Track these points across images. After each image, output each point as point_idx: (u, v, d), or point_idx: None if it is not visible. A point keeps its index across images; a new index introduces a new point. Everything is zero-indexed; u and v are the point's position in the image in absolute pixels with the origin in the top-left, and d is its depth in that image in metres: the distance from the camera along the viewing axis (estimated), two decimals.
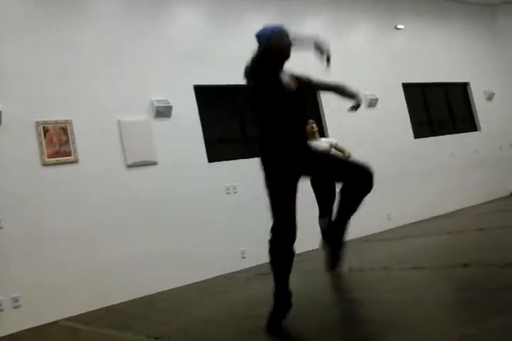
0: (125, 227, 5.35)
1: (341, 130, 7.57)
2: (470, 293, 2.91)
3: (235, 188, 6.25)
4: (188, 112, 6.16)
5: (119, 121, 5.58)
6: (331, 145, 5.52)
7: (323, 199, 5.11)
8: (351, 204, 2.85)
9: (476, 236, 5.39)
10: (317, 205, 5.29)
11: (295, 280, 2.98)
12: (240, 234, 6.11)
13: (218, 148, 6.50)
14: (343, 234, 2.90)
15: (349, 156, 5.29)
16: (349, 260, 5.19)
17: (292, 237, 2.82)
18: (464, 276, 3.40)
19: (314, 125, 5.38)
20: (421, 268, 3.87)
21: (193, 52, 6.35)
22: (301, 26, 7.63)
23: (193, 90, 6.26)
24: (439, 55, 9.52)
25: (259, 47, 2.92)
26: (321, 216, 5.29)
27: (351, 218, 2.88)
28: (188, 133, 6.12)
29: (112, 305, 4.92)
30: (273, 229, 2.84)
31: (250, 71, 2.94)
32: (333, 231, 2.95)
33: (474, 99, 10.05)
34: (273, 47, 2.84)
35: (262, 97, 2.98)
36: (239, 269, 5.91)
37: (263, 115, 2.99)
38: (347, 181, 2.84)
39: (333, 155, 3.32)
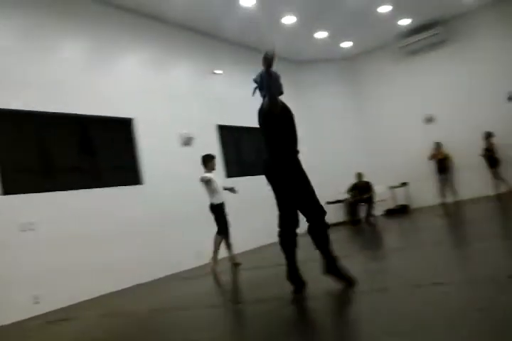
0: None
1: (155, 166, 7.59)
2: (251, 329, 3.07)
3: (32, 225, 5.67)
4: None
5: None
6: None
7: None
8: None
9: (274, 271, 5.78)
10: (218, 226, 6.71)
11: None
12: (34, 276, 5.51)
13: (16, 179, 5.87)
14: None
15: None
16: (153, 299, 5.12)
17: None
18: (255, 312, 3.58)
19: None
20: (217, 307, 3.97)
21: None
22: (120, 60, 7.60)
23: None
24: (252, 102, 10.25)
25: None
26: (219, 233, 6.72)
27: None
28: None
29: None
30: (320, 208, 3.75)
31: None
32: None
33: None
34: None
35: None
36: (29, 316, 5.29)
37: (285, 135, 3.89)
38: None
39: None
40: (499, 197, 9.98)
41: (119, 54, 7.64)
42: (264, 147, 3.96)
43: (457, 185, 10.88)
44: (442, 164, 10.95)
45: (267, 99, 3.92)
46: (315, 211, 3.75)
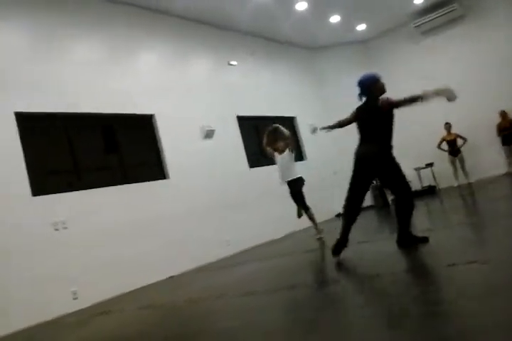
0: None
1: (179, 160, 7.68)
2: (294, 315, 3.10)
3: (64, 223, 5.81)
4: (7, 141, 5.63)
5: None
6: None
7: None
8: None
9: (304, 257, 5.82)
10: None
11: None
12: (71, 273, 5.67)
13: (45, 180, 6.02)
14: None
15: None
16: (188, 290, 5.21)
17: None
18: (290, 298, 3.62)
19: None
20: (253, 294, 4.02)
21: (13, 75, 5.90)
22: (136, 57, 7.67)
23: (13, 117, 5.75)
24: (269, 91, 10.30)
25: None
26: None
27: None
28: (8, 163, 5.56)
29: None
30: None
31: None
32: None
33: (300, 131, 11.05)
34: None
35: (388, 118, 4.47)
36: (69, 312, 5.46)
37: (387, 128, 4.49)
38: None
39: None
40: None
41: (134, 51, 7.70)
42: (364, 138, 4.54)
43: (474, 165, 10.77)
44: (453, 146, 10.78)
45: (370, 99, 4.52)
46: (405, 190, 4.42)
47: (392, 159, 4.46)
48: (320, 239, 6.79)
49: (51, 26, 6.55)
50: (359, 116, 4.61)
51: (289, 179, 6.92)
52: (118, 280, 6.09)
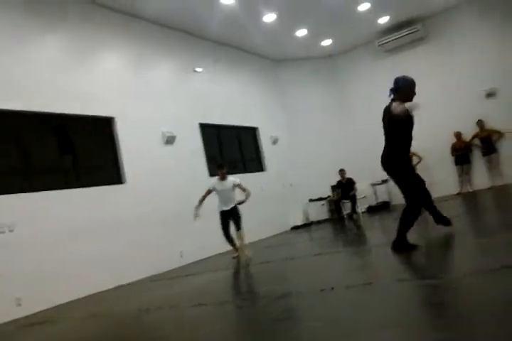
0: None
1: (137, 165, 7.51)
2: (244, 327, 3.04)
3: (10, 226, 5.54)
4: None
5: None
6: (234, 184, 7.00)
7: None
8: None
9: (259, 269, 5.77)
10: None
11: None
12: (16, 278, 5.40)
13: None
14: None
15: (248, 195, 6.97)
16: (138, 300, 5.06)
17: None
18: (240, 310, 3.55)
19: (224, 170, 7.06)
20: (204, 305, 3.93)
21: None
22: (100, 59, 7.48)
23: None
24: (233, 100, 10.29)
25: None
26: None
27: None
28: None
29: None
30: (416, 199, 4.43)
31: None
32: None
33: (262, 142, 11.06)
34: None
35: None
36: (11, 319, 5.19)
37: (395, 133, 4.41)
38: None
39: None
40: (464, 195, 10.21)
41: (99, 52, 7.52)
42: (385, 140, 4.52)
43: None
44: None
45: (395, 103, 4.32)
46: (408, 198, 4.46)
47: (399, 166, 4.44)
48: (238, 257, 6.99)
49: (10, 23, 6.31)
50: (382, 117, 4.59)
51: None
52: (65, 287, 5.85)
